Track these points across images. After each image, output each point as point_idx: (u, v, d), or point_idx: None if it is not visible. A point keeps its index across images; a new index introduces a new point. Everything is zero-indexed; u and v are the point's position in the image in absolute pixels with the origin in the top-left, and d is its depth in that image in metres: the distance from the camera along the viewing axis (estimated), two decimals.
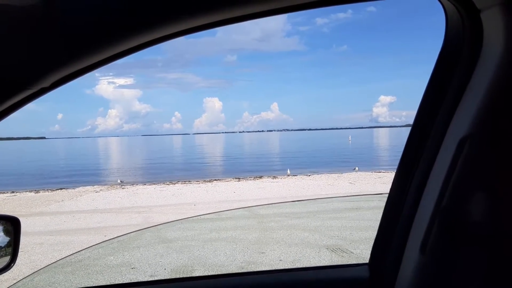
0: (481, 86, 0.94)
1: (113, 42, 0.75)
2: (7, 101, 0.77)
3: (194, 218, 10.61)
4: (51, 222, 10.86)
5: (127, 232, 9.43)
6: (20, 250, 1.28)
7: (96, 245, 8.00)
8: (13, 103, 0.78)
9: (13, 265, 1.28)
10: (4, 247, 1.31)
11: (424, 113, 1.13)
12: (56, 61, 0.75)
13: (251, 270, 5.26)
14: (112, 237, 8.95)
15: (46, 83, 0.78)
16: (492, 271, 1.00)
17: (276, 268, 5.86)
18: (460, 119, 1.01)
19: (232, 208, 12.36)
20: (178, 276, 5.57)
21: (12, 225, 1.30)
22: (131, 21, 0.72)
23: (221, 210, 11.96)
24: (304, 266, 5.75)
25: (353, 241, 7.07)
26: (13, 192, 18.67)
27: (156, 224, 10.39)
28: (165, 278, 5.27)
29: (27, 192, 18.30)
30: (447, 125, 1.05)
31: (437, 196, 1.04)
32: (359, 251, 6.44)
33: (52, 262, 7.11)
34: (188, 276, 5.18)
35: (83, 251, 7.34)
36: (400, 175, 1.22)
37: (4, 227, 1.32)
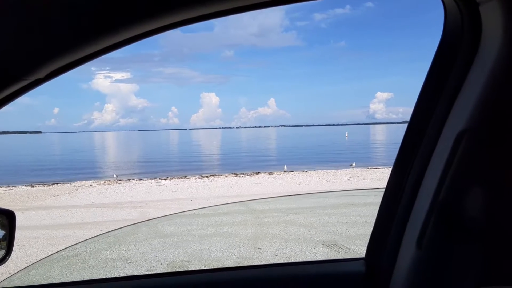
0: (479, 80, 0.94)
1: (108, 33, 0.74)
2: (1, 92, 0.76)
3: (190, 212, 10.63)
4: (47, 217, 10.83)
5: (123, 226, 9.44)
6: (15, 244, 1.28)
7: (90, 239, 7.99)
8: (8, 94, 0.77)
9: (8, 258, 1.28)
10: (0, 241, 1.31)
11: (422, 107, 1.13)
12: (51, 52, 0.74)
13: (248, 264, 5.29)
14: (107, 231, 8.95)
15: (41, 74, 0.77)
16: (487, 265, 1.00)
17: (273, 262, 5.88)
18: (458, 114, 1.01)
19: (228, 202, 12.39)
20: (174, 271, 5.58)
21: (7, 218, 1.29)
22: (127, 12, 0.72)
23: (218, 204, 11.98)
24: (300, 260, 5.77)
25: (348, 236, 7.10)
26: (8, 186, 18.58)
27: (152, 218, 10.40)
28: (161, 272, 5.29)
29: (23, 187, 18.22)
30: (444, 120, 1.05)
31: (433, 191, 1.04)
32: (355, 247, 6.47)
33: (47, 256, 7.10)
34: (184, 270, 5.19)
35: (78, 245, 7.33)
36: (397, 169, 1.22)
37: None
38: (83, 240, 8.17)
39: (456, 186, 1.00)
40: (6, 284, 3.83)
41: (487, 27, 0.93)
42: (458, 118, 1.00)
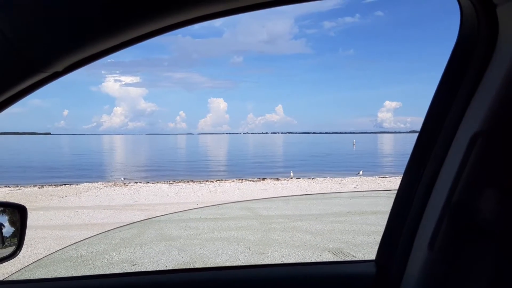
0: (495, 82, 0.93)
1: (124, 28, 0.76)
2: (20, 84, 0.77)
3: (192, 210, 10.68)
4: (54, 217, 10.91)
5: (127, 223, 9.50)
6: (24, 243, 1.29)
7: (95, 236, 8.01)
8: (26, 86, 0.79)
9: (19, 252, 1.29)
10: (9, 237, 1.32)
11: (436, 108, 1.12)
12: (70, 45, 0.75)
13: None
14: (110, 229, 8.99)
15: (59, 67, 0.78)
16: (500, 268, 0.99)
17: (282, 262, 5.84)
18: (473, 115, 1.00)
19: (233, 201, 12.38)
20: None
21: (19, 212, 1.31)
22: (145, 7, 0.73)
23: (222, 203, 12.01)
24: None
25: (355, 245, 7.04)
26: (17, 186, 18.77)
27: (156, 216, 10.47)
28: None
29: (31, 187, 18.39)
30: (459, 122, 1.04)
31: (447, 193, 1.03)
32: (361, 255, 6.41)
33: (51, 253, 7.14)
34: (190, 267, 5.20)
35: (84, 246, 7.36)
36: (410, 170, 1.21)
37: (10, 217, 1.33)
38: (82, 239, 8.22)
39: (470, 188, 0.99)
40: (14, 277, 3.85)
41: (504, 29, 0.92)
42: (473, 120, 0.99)
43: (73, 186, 18.71)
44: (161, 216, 10.67)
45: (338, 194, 13.18)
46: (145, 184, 19.47)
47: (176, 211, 11.52)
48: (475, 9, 0.95)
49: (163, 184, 19.24)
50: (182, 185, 18.98)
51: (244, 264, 5.63)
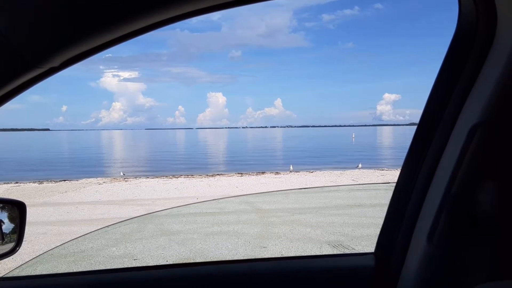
0: (494, 74, 0.93)
1: (121, 23, 0.75)
2: (16, 80, 0.77)
3: (192, 205, 10.70)
4: (55, 213, 10.92)
5: (127, 218, 9.51)
6: (23, 239, 1.29)
7: (95, 231, 8.03)
8: (23, 82, 0.78)
9: (18, 249, 1.29)
10: (9, 233, 1.32)
11: (435, 101, 1.11)
12: (66, 40, 0.75)
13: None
14: (111, 224, 9.01)
15: (55, 63, 0.77)
16: (498, 260, 0.99)
17: (282, 256, 5.86)
18: (472, 108, 1.00)
19: (232, 195, 12.39)
20: None
21: (18, 209, 1.31)
22: (141, 1, 0.72)
23: (222, 197, 12.03)
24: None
25: (354, 237, 7.07)
26: (17, 182, 18.76)
27: (156, 211, 10.49)
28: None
29: (31, 183, 18.38)
30: (457, 114, 1.04)
31: (446, 185, 1.03)
32: (361, 247, 6.44)
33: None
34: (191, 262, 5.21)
35: (85, 241, 7.38)
36: (409, 163, 1.21)
37: (9, 214, 1.33)
38: (88, 232, 8.24)
39: (468, 180, 0.99)
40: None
41: (502, 19, 0.91)
42: (472, 112, 0.99)
43: (73, 182, 18.70)
44: (161, 211, 10.70)
45: (337, 187, 13.22)
46: (144, 179, 19.46)
47: (176, 205, 11.54)
48: (473, 0, 0.94)
49: (162, 179, 19.24)
50: (181, 179, 18.99)
51: (244, 258, 5.65)
